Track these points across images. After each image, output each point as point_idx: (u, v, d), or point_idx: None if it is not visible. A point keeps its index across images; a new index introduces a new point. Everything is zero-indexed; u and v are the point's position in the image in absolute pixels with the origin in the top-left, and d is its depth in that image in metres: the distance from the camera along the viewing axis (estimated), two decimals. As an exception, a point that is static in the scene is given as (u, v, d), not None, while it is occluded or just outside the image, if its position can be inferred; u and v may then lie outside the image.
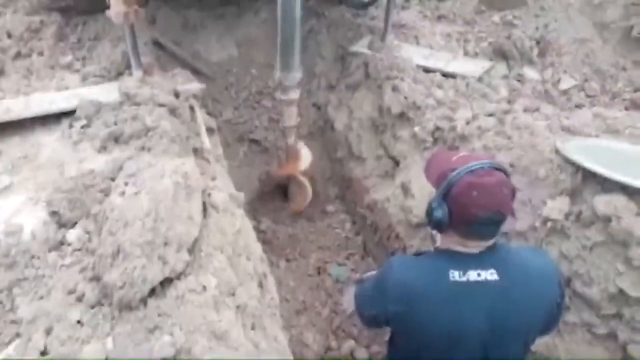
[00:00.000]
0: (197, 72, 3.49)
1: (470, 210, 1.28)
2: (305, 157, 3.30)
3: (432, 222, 1.38)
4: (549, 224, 1.96)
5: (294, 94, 2.84)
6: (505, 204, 1.31)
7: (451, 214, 1.32)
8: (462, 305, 1.35)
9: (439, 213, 1.33)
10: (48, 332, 1.29)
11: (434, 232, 1.52)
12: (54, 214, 1.68)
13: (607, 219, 1.79)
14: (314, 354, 2.69)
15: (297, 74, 2.73)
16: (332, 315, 2.93)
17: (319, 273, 3.19)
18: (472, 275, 1.34)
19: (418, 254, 1.60)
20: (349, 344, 2.75)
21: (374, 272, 2.75)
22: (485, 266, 1.34)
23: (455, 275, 1.34)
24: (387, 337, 1.76)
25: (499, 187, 1.29)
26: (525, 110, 2.62)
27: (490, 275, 1.33)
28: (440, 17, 4.28)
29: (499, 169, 1.34)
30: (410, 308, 1.40)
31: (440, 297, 1.36)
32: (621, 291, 1.75)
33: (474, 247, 1.37)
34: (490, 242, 1.37)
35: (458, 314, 1.35)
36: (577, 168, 1.95)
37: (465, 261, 1.36)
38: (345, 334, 2.83)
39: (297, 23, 2.48)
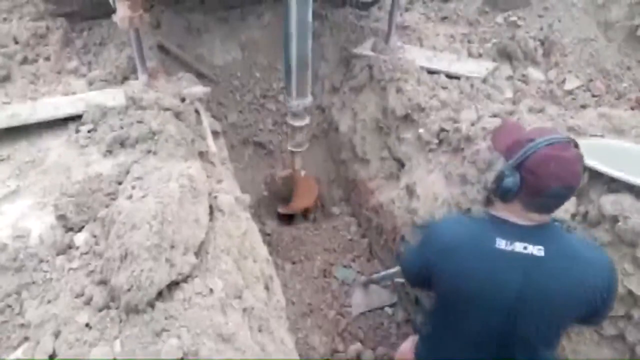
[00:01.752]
0: (201, 76, 3.51)
1: (545, 182, 1.30)
2: (312, 189, 3.42)
3: (500, 189, 1.39)
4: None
5: (303, 121, 2.85)
6: (578, 180, 1.34)
7: (523, 183, 1.33)
8: (500, 272, 1.37)
9: (510, 181, 1.35)
10: (56, 335, 1.30)
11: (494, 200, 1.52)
12: (61, 217, 1.69)
13: (614, 219, 1.78)
14: (320, 357, 2.69)
15: (305, 101, 2.72)
16: (338, 317, 2.92)
17: (324, 275, 3.19)
18: (518, 246, 1.36)
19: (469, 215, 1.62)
20: (356, 346, 2.74)
21: (382, 273, 2.78)
22: (534, 241, 1.36)
23: (501, 243, 1.37)
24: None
25: (575, 162, 1.32)
26: (530, 110, 2.61)
27: (538, 251, 1.35)
28: (443, 19, 4.28)
29: (576, 145, 1.35)
30: (448, 260, 1.44)
31: (481, 259, 1.39)
32: (630, 292, 1.74)
33: (530, 220, 1.38)
34: (547, 218, 1.40)
35: (493, 279, 1.37)
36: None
37: (516, 232, 1.38)
38: (352, 337, 2.83)
39: (307, 50, 2.47)
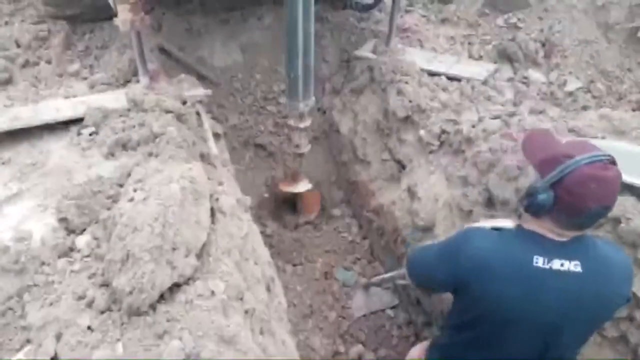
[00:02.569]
0: (202, 78, 3.51)
1: (584, 203, 1.24)
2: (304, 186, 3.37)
3: (533, 206, 1.33)
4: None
5: (305, 122, 2.86)
6: (615, 199, 1.29)
7: (558, 202, 1.28)
8: (539, 291, 1.33)
9: (544, 199, 1.29)
10: (58, 337, 1.29)
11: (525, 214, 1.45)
12: (62, 220, 1.69)
13: (617, 221, 1.78)
14: (322, 359, 2.69)
15: (308, 103, 2.73)
16: (339, 319, 2.92)
17: (325, 277, 3.18)
18: (556, 264, 1.32)
19: (495, 229, 1.53)
20: (357, 348, 2.74)
21: (382, 276, 2.77)
22: (571, 257, 1.33)
23: (539, 261, 1.32)
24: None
25: (615, 182, 1.26)
26: (531, 112, 2.62)
27: (574, 267, 1.31)
28: (444, 21, 4.29)
29: (614, 162, 1.29)
30: (482, 281, 1.39)
31: (519, 279, 1.34)
32: (633, 294, 1.73)
33: (564, 236, 1.35)
34: (580, 233, 1.36)
35: (533, 300, 1.34)
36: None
37: (552, 249, 1.34)
38: (353, 338, 2.83)
39: (310, 52, 2.50)
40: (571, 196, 1.25)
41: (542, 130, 2.00)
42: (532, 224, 1.41)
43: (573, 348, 1.47)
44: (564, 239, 1.35)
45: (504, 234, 1.46)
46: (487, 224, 1.72)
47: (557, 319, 1.35)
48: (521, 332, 1.40)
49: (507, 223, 1.56)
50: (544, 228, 1.36)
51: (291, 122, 2.87)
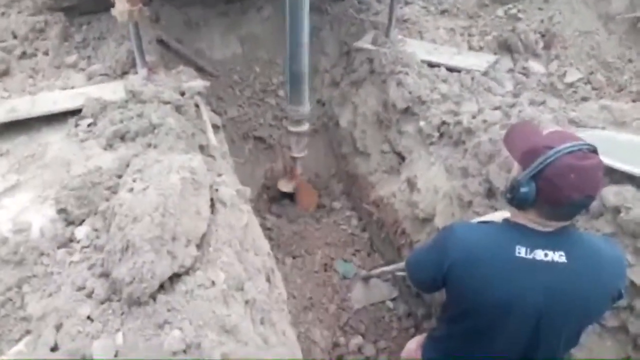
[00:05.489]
0: (201, 70, 3.50)
1: (564, 192, 1.23)
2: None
3: (516, 199, 1.32)
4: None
5: (304, 126, 2.98)
6: (598, 188, 1.28)
7: (540, 193, 1.27)
8: (523, 281, 1.33)
9: (526, 191, 1.28)
10: (58, 328, 1.29)
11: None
12: (61, 211, 1.69)
13: (616, 210, 1.78)
14: (322, 351, 2.69)
15: (306, 108, 2.88)
16: (339, 311, 2.93)
17: (325, 270, 3.18)
18: (539, 254, 1.31)
19: (482, 222, 1.55)
20: (357, 340, 2.75)
21: (384, 269, 2.77)
22: (555, 247, 1.32)
23: (521, 251, 1.32)
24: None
25: (596, 171, 1.24)
26: (531, 103, 2.61)
27: (559, 257, 1.31)
28: (443, 12, 4.27)
29: (595, 151, 1.27)
30: (468, 271, 1.39)
31: (502, 269, 1.34)
32: (632, 283, 1.73)
33: (549, 226, 1.34)
34: (566, 223, 1.35)
35: (516, 288, 1.33)
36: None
37: (535, 239, 1.33)
38: (353, 330, 2.83)
39: (306, 60, 2.62)
40: (552, 187, 1.24)
41: (524, 123, 1.97)
42: (518, 216, 1.41)
43: (568, 342, 1.45)
44: (549, 229, 1.34)
45: (489, 227, 1.47)
46: (476, 219, 1.73)
47: (543, 309, 1.34)
48: (510, 323, 1.39)
49: (505, 215, 1.56)
50: (528, 219, 1.36)
51: (289, 127, 3.01)
